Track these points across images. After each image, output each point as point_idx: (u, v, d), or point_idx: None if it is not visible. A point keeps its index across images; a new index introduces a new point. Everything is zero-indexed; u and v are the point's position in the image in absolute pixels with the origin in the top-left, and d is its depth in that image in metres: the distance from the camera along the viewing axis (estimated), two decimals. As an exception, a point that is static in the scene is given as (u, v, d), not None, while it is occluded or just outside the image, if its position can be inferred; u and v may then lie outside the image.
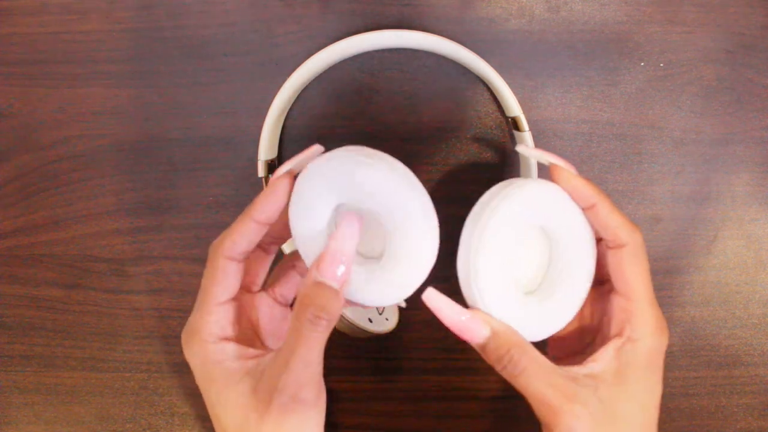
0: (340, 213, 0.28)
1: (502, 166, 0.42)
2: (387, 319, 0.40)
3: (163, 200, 0.43)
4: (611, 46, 0.41)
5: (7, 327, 0.45)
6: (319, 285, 0.26)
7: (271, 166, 0.40)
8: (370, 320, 0.38)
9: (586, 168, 0.42)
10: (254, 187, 0.42)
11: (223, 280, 0.29)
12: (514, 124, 0.39)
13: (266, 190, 0.28)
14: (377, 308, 0.40)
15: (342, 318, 0.36)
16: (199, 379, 0.29)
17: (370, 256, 0.29)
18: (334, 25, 0.41)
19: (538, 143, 0.41)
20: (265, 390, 0.27)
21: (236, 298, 0.30)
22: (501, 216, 0.28)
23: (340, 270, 0.27)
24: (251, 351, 0.29)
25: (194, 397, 0.45)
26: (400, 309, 0.42)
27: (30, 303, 0.44)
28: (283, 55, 0.41)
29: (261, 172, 0.39)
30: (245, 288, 0.32)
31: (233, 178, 0.42)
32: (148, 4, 0.41)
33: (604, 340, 0.29)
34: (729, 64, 0.41)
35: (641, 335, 0.27)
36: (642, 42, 0.41)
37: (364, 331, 0.37)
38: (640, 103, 0.41)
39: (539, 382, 0.26)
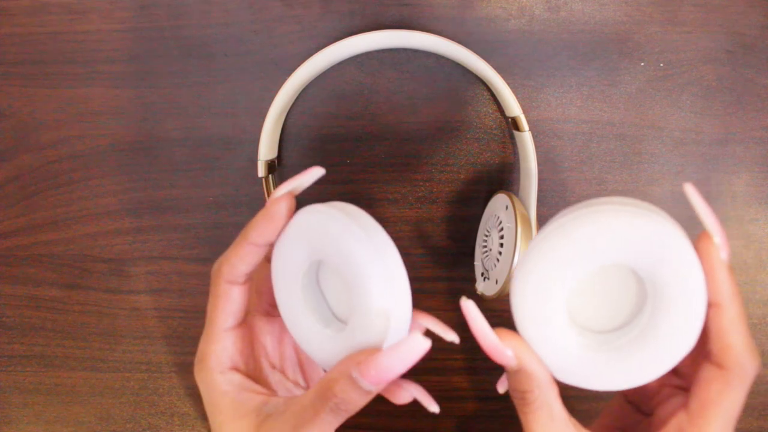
0: (410, 336, 0.25)
1: (502, 166, 0.42)
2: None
3: (163, 200, 0.43)
4: (611, 46, 0.41)
5: (7, 327, 0.45)
6: (355, 384, 0.25)
7: (271, 166, 0.40)
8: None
9: (586, 168, 0.42)
10: (254, 187, 0.42)
11: (226, 305, 0.28)
12: (514, 124, 0.39)
13: (264, 212, 0.27)
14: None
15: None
16: (206, 405, 0.28)
17: (340, 317, 0.28)
18: (334, 25, 0.41)
19: (538, 143, 0.41)
20: None
21: (244, 323, 0.29)
22: (565, 241, 0.24)
23: (383, 382, 0.25)
24: (259, 388, 0.28)
25: (194, 397, 0.45)
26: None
27: (30, 303, 0.44)
28: (283, 55, 0.41)
29: (261, 172, 0.39)
30: (262, 312, 0.31)
31: (233, 178, 0.42)
32: (148, 4, 0.41)
33: (656, 428, 0.26)
34: (729, 64, 0.41)
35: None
36: (642, 42, 0.41)
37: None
38: (640, 103, 0.41)
39: (540, 430, 0.25)
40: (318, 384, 0.26)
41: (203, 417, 0.45)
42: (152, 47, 0.41)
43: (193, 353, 0.44)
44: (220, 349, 0.28)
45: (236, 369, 0.28)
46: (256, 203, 0.43)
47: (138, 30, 0.41)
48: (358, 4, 0.40)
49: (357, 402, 0.25)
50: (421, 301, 0.44)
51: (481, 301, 0.40)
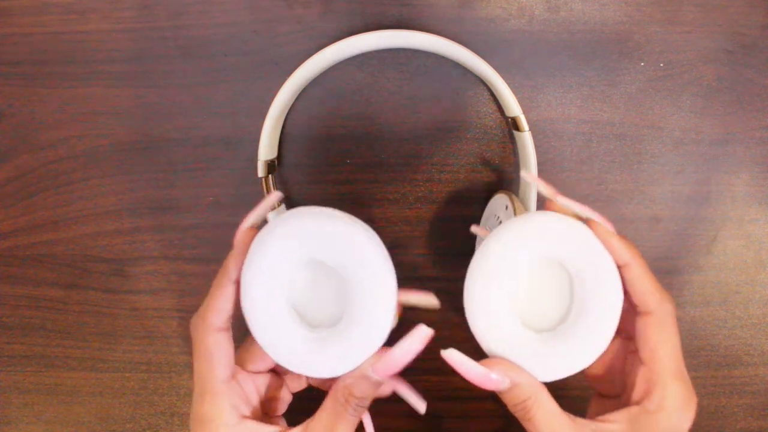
0: (415, 328, 0.27)
1: (502, 166, 0.42)
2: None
3: (163, 200, 0.43)
4: (611, 46, 0.41)
5: (7, 327, 0.45)
6: (369, 379, 0.26)
7: (271, 166, 0.40)
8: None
9: (586, 168, 0.42)
10: (254, 187, 0.42)
11: (220, 356, 0.27)
12: (514, 124, 0.39)
13: (235, 250, 0.27)
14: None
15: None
16: None
17: (319, 324, 0.28)
18: (334, 25, 0.41)
19: (538, 143, 0.41)
20: None
21: (236, 376, 0.29)
22: (503, 245, 0.27)
23: (395, 372, 0.27)
24: (272, 428, 0.28)
25: (194, 397, 0.45)
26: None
27: (30, 303, 0.44)
28: (283, 55, 0.41)
29: (261, 172, 0.39)
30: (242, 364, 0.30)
31: (233, 178, 0.42)
32: (148, 4, 0.41)
33: (627, 400, 0.28)
34: (729, 64, 0.41)
35: (659, 409, 0.26)
36: (642, 42, 0.41)
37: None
38: (640, 103, 0.41)
39: (546, 429, 0.26)
40: (331, 394, 0.27)
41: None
42: (152, 47, 0.41)
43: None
44: (227, 405, 0.27)
45: (245, 417, 0.28)
46: (256, 203, 0.43)
47: (138, 30, 0.41)
48: (358, 4, 0.40)
49: (372, 395, 0.27)
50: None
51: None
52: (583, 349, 0.26)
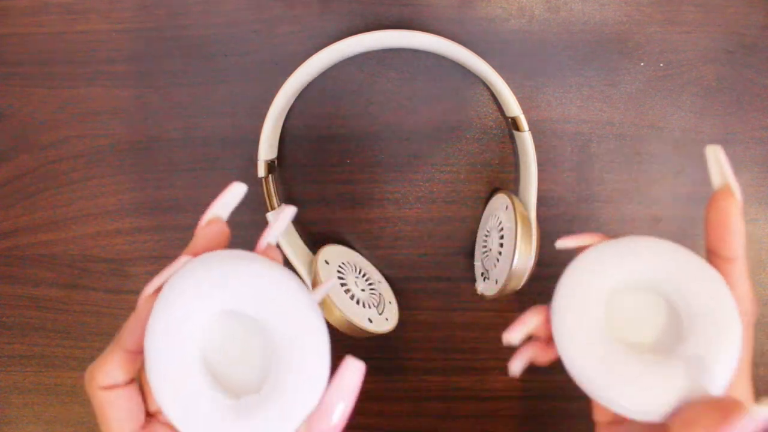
0: (345, 360, 0.22)
1: (502, 166, 0.42)
2: (387, 319, 0.40)
3: (163, 200, 0.43)
4: (611, 46, 0.41)
5: (7, 327, 0.45)
6: None
7: (271, 166, 0.40)
8: (370, 320, 0.38)
9: (586, 168, 0.42)
10: (254, 187, 0.42)
11: (115, 413, 0.24)
12: (514, 124, 0.39)
13: (134, 315, 0.24)
14: (377, 308, 0.40)
15: (342, 318, 0.36)
16: None
17: (239, 389, 0.23)
18: (334, 25, 0.41)
19: (538, 143, 0.41)
20: None
21: (152, 420, 0.25)
22: (589, 273, 0.25)
23: (335, 428, 0.22)
24: None
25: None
26: (400, 309, 0.42)
27: (30, 303, 0.44)
28: (283, 55, 0.41)
29: (261, 172, 0.39)
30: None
31: (233, 178, 0.42)
32: (148, 4, 0.41)
33: None
34: (729, 64, 0.41)
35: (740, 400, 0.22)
36: (642, 42, 0.41)
37: (364, 331, 0.37)
38: (640, 103, 0.41)
39: None
40: None
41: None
42: (152, 47, 0.41)
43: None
44: None
45: None
46: (256, 203, 0.43)
47: (138, 30, 0.41)
48: (358, 4, 0.40)
49: None
50: (421, 301, 0.44)
51: (481, 301, 0.40)
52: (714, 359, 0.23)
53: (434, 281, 0.43)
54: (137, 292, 0.44)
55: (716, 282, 0.24)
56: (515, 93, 0.39)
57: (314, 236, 0.43)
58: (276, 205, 0.39)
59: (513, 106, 0.39)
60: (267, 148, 0.39)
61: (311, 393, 0.22)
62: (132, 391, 0.24)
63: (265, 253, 0.25)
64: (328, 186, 0.42)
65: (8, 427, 0.45)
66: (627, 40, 0.41)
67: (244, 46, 0.41)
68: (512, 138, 0.42)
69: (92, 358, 0.47)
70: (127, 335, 0.23)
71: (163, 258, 0.43)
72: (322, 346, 0.22)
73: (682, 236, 0.43)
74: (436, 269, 0.43)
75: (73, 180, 0.43)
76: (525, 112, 0.39)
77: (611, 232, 0.43)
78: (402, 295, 0.43)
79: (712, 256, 0.25)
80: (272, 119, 0.39)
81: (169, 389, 0.22)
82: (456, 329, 0.43)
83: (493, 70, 0.38)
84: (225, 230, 0.25)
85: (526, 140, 0.39)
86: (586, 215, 0.42)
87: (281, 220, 0.25)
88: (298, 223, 0.43)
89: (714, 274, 0.24)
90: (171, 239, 0.43)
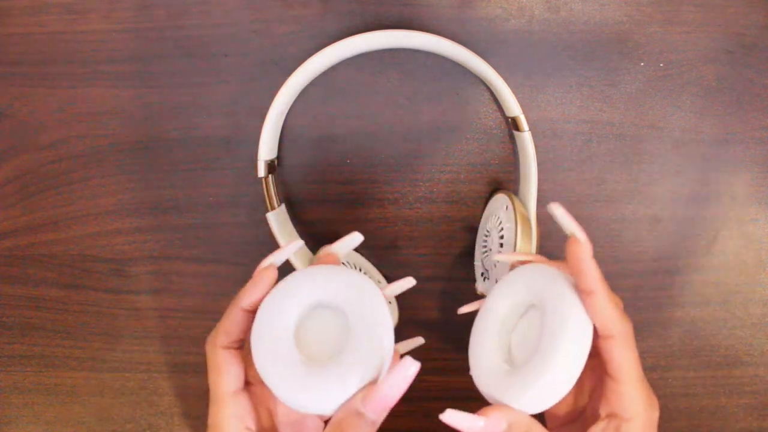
0: (402, 359, 0.27)
1: (502, 166, 0.42)
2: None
3: (163, 200, 0.43)
4: (611, 46, 0.41)
5: (7, 327, 0.45)
6: (361, 416, 0.26)
7: (271, 166, 0.40)
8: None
9: (586, 168, 0.42)
10: (254, 187, 0.42)
11: (227, 370, 0.29)
12: (514, 124, 0.39)
13: (252, 280, 0.30)
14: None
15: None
16: None
17: (320, 358, 0.29)
18: (334, 25, 0.41)
19: (538, 143, 0.41)
20: None
21: (249, 388, 0.30)
22: (492, 294, 0.30)
23: (387, 408, 0.27)
24: None
25: (194, 397, 0.45)
26: (400, 309, 0.42)
27: (30, 303, 0.44)
28: (283, 55, 0.41)
29: (261, 172, 0.39)
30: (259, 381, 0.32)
31: (233, 178, 0.42)
32: (148, 4, 0.41)
33: (596, 416, 0.29)
34: (729, 64, 0.41)
35: (633, 414, 0.28)
36: (642, 42, 0.41)
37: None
38: (640, 103, 0.41)
39: None
40: (328, 427, 0.27)
41: (203, 417, 0.45)
42: (152, 47, 0.41)
43: (193, 353, 0.44)
44: (231, 414, 0.29)
45: (249, 430, 0.30)
46: (256, 203, 0.43)
47: (138, 30, 0.41)
48: (358, 4, 0.40)
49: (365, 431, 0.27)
50: (421, 301, 0.44)
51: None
52: (560, 381, 0.28)
53: (434, 281, 0.43)
54: (137, 292, 0.44)
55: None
56: (515, 93, 0.39)
57: (314, 236, 0.43)
58: (276, 205, 0.39)
59: (513, 106, 0.39)
60: (267, 148, 0.39)
61: (371, 362, 0.27)
62: (241, 356, 0.30)
63: (262, 271, 0.30)
64: (328, 186, 0.42)
65: (8, 427, 0.45)
66: (627, 40, 0.41)
67: (244, 46, 0.41)
68: (512, 138, 0.42)
69: (92, 358, 0.47)
70: (244, 297, 0.29)
71: (163, 258, 0.43)
72: (387, 326, 0.27)
73: (682, 236, 0.43)
74: (436, 269, 0.43)
75: (73, 180, 0.43)
76: (525, 112, 0.39)
77: (611, 232, 0.43)
78: (402, 295, 0.43)
79: (578, 290, 0.28)
80: (272, 119, 0.39)
81: (266, 354, 0.28)
82: (455, 329, 0.43)
83: (493, 70, 0.38)
84: (275, 276, 0.30)
85: (526, 140, 0.39)
86: (586, 215, 0.42)
87: (285, 249, 0.31)
88: (298, 223, 0.43)
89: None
90: (171, 239, 0.43)
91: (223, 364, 0.29)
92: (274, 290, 0.29)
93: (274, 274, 0.30)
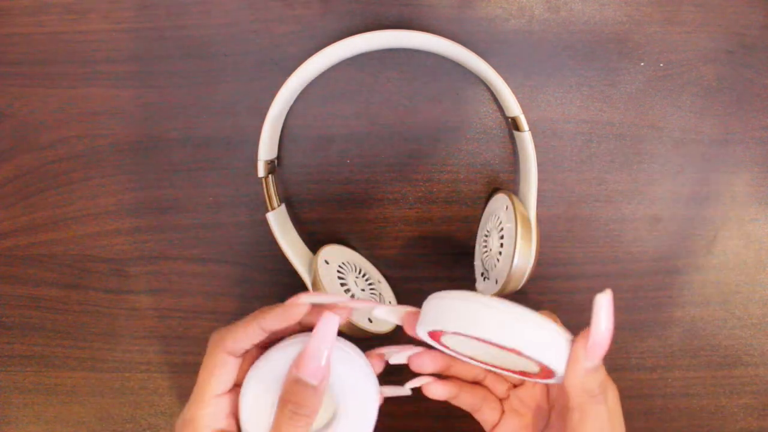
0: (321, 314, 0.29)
1: (502, 166, 0.42)
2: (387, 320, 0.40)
3: (163, 200, 0.43)
4: (611, 46, 0.41)
5: (7, 327, 0.45)
6: (299, 382, 0.28)
7: (271, 166, 0.40)
8: (370, 320, 0.38)
9: (586, 168, 0.42)
10: (254, 187, 0.42)
11: (220, 374, 0.30)
12: (514, 124, 0.39)
13: (283, 307, 0.30)
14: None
15: (342, 318, 0.36)
16: None
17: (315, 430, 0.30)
18: (334, 25, 0.41)
19: (538, 143, 0.41)
20: None
21: (232, 391, 0.31)
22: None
23: (319, 368, 0.28)
24: None
25: (194, 397, 0.45)
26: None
27: (30, 303, 0.44)
28: (283, 55, 0.41)
29: (261, 172, 0.39)
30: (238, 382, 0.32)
31: (233, 178, 0.42)
32: (148, 4, 0.41)
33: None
34: (729, 64, 0.41)
35: None
36: (642, 42, 0.41)
37: (364, 331, 0.37)
38: (640, 103, 0.41)
39: None
40: (278, 405, 0.28)
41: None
42: (152, 47, 0.41)
43: (193, 353, 0.44)
44: (209, 414, 0.29)
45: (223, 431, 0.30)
46: (256, 203, 0.43)
47: (138, 30, 0.41)
48: (358, 4, 0.40)
49: (307, 402, 0.28)
50: (421, 301, 0.43)
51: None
52: None
53: (434, 281, 0.43)
54: (137, 292, 0.44)
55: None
56: (515, 93, 0.39)
57: (314, 236, 0.43)
58: (276, 205, 0.39)
59: (513, 106, 0.39)
60: (267, 148, 0.39)
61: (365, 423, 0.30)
62: (239, 363, 0.30)
63: (296, 305, 0.30)
64: (328, 186, 0.42)
65: (8, 427, 0.45)
66: (627, 40, 0.41)
67: (244, 46, 0.41)
68: (512, 138, 0.42)
69: (92, 358, 0.47)
70: (268, 320, 0.29)
71: (162, 258, 0.43)
72: (372, 404, 0.30)
73: (682, 236, 0.43)
74: (436, 269, 0.43)
75: (73, 180, 0.43)
76: (525, 112, 0.39)
77: (611, 232, 0.43)
78: (402, 295, 0.43)
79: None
80: (272, 119, 0.39)
81: (251, 417, 0.29)
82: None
83: (493, 70, 0.38)
84: (304, 313, 0.30)
85: (526, 140, 0.39)
86: (586, 215, 0.42)
87: (329, 297, 0.32)
88: (298, 223, 0.43)
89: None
90: (171, 239, 0.43)
91: (218, 367, 0.30)
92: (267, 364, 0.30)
93: (304, 310, 0.30)
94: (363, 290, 0.40)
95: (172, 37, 0.41)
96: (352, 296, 0.38)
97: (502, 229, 0.38)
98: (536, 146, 0.39)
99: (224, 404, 0.30)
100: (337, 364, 0.29)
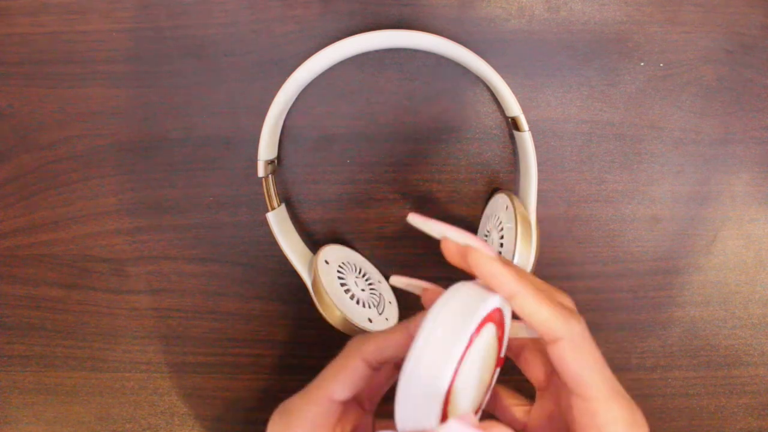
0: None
1: (502, 166, 0.42)
2: (387, 319, 0.40)
3: (163, 200, 0.43)
4: (611, 46, 0.41)
5: (7, 327, 0.45)
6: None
7: (271, 166, 0.40)
8: (370, 320, 0.38)
9: (586, 168, 0.42)
10: (254, 187, 0.42)
11: (345, 379, 0.27)
12: (514, 124, 0.39)
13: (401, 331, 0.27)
14: (377, 308, 0.40)
15: (342, 318, 0.36)
16: None
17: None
18: (334, 25, 0.41)
19: (538, 143, 0.41)
20: None
21: (346, 404, 0.28)
22: None
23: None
24: None
25: (194, 397, 0.45)
26: (400, 309, 0.42)
27: (30, 303, 0.44)
28: (283, 55, 0.41)
29: (261, 172, 0.39)
30: (358, 401, 0.29)
31: (233, 178, 0.42)
32: (148, 4, 0.41)
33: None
34: (729, 64, 0.41)
35: None
36: (642, 42, 0.41)
37: (364, 332, 0.37)
38: (640, 103, 0.41)
39: None
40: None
41: (203, 417, 0.45)
42: (152, 47, 0.41)
43: (192, 353, 0.44)
44: (315, 413, 0.27)
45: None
46: (256, 203, 0.43)
47: (138, 30, 0.41)
48: (358, 4, 0.40)
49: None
50: (419, 301, 0.43)
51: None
52: None
53: (434, 281, 0.43)
54: (137, 292, 0.44)
55: None
56: (515, 93, 0.39)
57: (314, 236, 0.43)
58: (276, 205, 0.39)
59: (513, 106, 0.39)
60: (267, 148, 0.39)
61: None
62: (368, 379, 0.27)
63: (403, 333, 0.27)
64: (328, 186, 0.42)
65: (8, 427, 0.45)
66: (627, 40, 0.41)
67: (244, 46, 0.41)
68: (512, 138, 0.42)
69: (92, 358, 0.47)
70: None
71: (162, 258, 0.43)
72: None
73: (682, 236, 0.43)
74: (436, 269, 0.43)
75: (73, 180, 0.43)
76: (525, 112, 0.39)
77: (611, 232, 0.43)
78: (402, 295, 0.43)
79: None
80: (272, 119, 0.39)
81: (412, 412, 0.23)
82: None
83: (493, 70, 0.38)
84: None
85: (526, 140, 0.39)
86: (586, 215, 0.42)
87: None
88: (298, 223, 0.43)
89: None
90: (171, 239, 0.43)
91: (346, 371, 0.26)
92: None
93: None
94: (363, 290, 0.40)
95: (172, 37, 0.41)
96: (352, 297, 0.38)
97: (502, 229, 0.38)
98: (536, 146, 0.39)
99: (332, 412, 0.27)
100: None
